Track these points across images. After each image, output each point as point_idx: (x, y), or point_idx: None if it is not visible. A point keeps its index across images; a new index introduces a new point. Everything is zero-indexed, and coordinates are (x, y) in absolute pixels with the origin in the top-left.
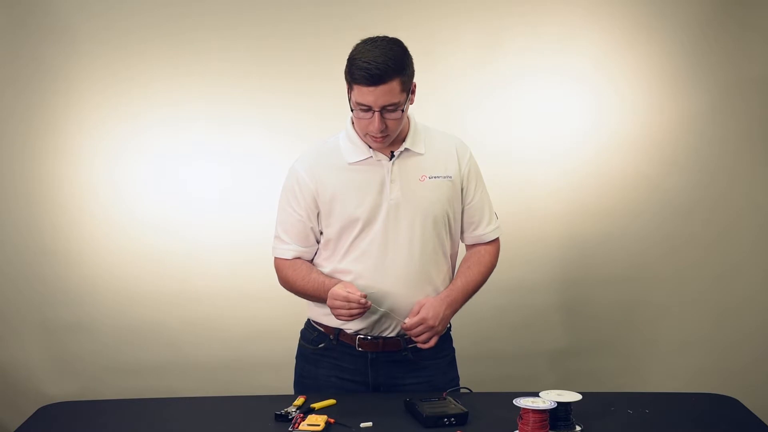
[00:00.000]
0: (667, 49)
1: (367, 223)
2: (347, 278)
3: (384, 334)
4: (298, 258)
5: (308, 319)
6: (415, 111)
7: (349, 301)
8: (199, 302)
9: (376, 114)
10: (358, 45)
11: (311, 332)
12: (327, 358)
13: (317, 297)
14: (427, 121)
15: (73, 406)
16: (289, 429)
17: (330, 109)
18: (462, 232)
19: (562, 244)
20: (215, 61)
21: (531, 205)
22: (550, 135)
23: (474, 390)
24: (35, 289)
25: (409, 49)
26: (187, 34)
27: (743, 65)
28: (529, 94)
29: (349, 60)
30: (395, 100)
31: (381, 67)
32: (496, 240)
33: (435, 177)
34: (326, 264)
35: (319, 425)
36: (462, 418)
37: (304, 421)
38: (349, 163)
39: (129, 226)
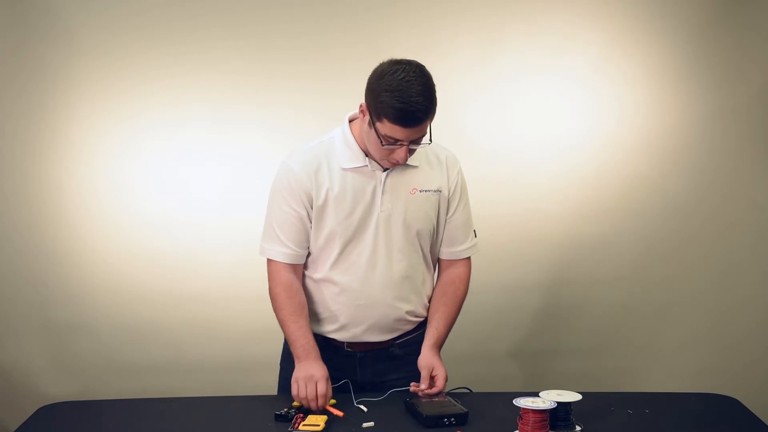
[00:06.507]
0: (667, 50)
1: (357, 234)
2: (334, 289)
3: (371, 340)
4: (293, 273)
5: None
6: None
7: (318, 398)
8: (199, 302)
9: (405, 146)
10: (391, 73)
11: None
12: None
13: (290, 343)
14: None
15: (73, 406)
16: (289, 429)
17: (330, 109)
18: (439, 245)
19: (561, 244)
20: (215, 61)
21: (530, 205)
22: (549, 135)
23: (474, 390)
24: (35, 289)
25: (409, 48)
26: (187, 34)
27: (743, 65)
28: (528, 94)
29: (382, 89)
30: (425, 132)
31: (424, 111)
32: (469, 258)
33: (425, 191)
34: (309, 271)
35: (319, 425)
36: (462, 418)
37: (304, 421)
38: (343, 168)
39: (129, 226)
